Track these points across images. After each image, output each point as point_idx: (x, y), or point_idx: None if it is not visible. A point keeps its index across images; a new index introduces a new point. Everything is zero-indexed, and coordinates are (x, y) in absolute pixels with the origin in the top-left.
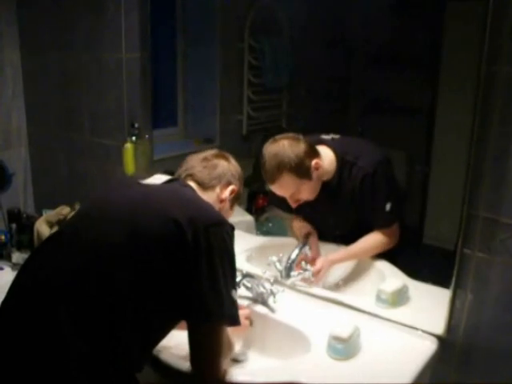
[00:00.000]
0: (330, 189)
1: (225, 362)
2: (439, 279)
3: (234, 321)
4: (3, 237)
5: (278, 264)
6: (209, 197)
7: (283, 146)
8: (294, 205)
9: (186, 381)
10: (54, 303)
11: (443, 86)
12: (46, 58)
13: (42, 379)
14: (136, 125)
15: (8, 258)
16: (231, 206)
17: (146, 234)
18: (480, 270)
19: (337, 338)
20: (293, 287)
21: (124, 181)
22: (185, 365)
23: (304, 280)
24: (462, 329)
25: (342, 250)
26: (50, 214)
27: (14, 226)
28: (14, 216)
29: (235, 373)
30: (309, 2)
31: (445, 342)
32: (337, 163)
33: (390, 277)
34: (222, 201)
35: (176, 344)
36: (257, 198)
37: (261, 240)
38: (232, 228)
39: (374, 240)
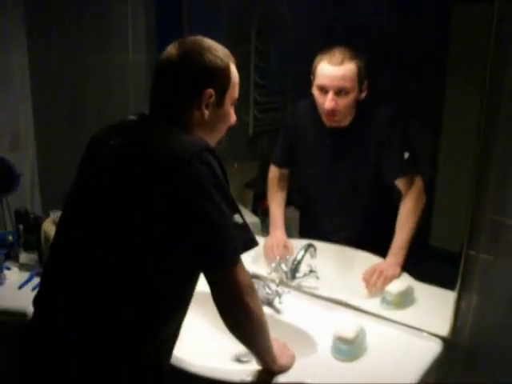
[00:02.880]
0: (344, 137)
1: (257, 303)
2: (445, 281)
3: (250, 245)
4: (11, 237)
5: (283, 265)
6: (188, 123)
7: (355, 50)
8: (329, 105)
9: None
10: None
11: (450, 89)
12: (53, 60)
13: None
14: None
15: (15, 259)
16: (221, 108)
17: (127, 191)
18: (485, 271)
19: (342, 339)
20: (298, 288)
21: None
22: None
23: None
24: (468, 330)
25: (392, 250)
26: (56, 215)
27: (21, 226)
28: (21, 217)
29: (240, 374)
30: (315, 4)
31: (450, 344)
32: (357, 108)
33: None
34: (202, 115)
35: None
36: (263, 199)
37: None
38: (211, 151)
39: (407, 210)
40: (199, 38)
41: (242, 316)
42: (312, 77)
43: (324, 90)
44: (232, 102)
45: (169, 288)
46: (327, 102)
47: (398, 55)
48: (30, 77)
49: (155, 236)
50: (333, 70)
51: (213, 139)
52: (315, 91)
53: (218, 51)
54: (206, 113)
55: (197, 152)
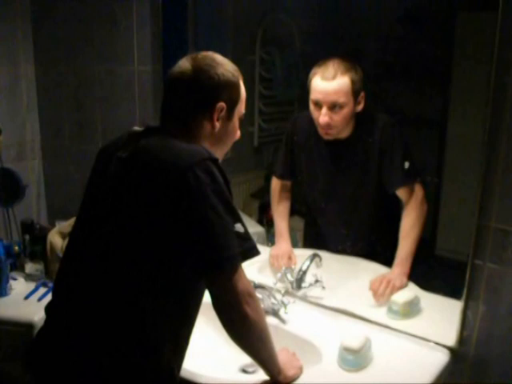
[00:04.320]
0: (344, 149)
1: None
2: (451, 291)
3: (250, 254)
4: (17, 247)
5: (289, 275)
6: (198, 136)
7: (350, 62)
8: (323, 120)
9: None
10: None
11: (455, 97)
12: (59, 71)
13: None
14: None
15: (21, 269)
16: (230, 122)
17: (132, 204)
18: (492, 280)
19: (348, 349)
20: (304, 298)
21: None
22: None
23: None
24: (474, 340)
25: (397, 260)
26: (62, 226)
27: (27, 236)
28: (27, 227)
29: None
30: (320, 14)
31: (457, 354)
32: (356, 119)
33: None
34: (213, 127)
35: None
36: (268, 209)
37: None
38: (213, 160)
39: (409, 220)
40: (211, 53)
41: (240, 323)
42: (308, 91)
43: (318, 104)
44: (239, 117)
45: (173, 297)
46: (321, 117)
47: (402, 64)
48: (37, 88)
49: (158, 244)
50: (325, 85)
51: (220, 152)
52: (310, 105)
53: (230, 66)
54: (217, 125)
55: (199, 160)
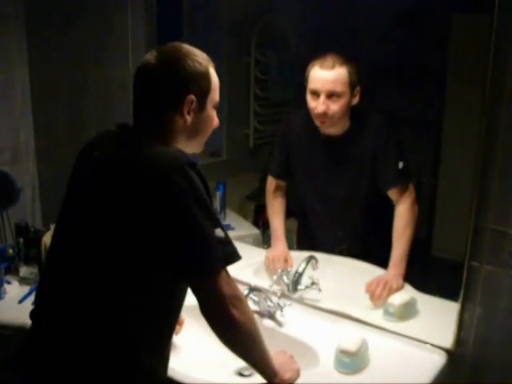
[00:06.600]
0: (338, 148)
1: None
2: (448, 292)
3: (231, 259)
4: (11, 251)
5: (285, 277)
6: (171, 131)
7: (346, 56)
8: (320, 108)
9: None
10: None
11: (450, 98)
12: (54, 74)
13: None
14: None
15: (16, 272)
16: (203, 112)
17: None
18: (489, 282)
19: (344, 352)
20: (300, 301)
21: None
22: None
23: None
24: (471, 342)
25: (392, 261)
26: None
27: (21, 240)
28: (21, 230)
29: None
30: (315, 16)
31: (454, 356)
32: (350, 118)
33: None
34: (185, 121)
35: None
36: (264, 211)
37: None
38: (191, 164)
39: (403, 221)
40: (177, 44)
41: (228, 327)
42: (306, 83)
43: (316, 93)
44: (214, 106)
45: (154, 299)
46: (319, 106)
47: (398, 65)
48: (31, 90)
49: (137, 250)
50: (324, 74)
51: (197, 144)
52: (308, 96)
53: (197, 56)
54: (189, 119)
55: (177, 166)
